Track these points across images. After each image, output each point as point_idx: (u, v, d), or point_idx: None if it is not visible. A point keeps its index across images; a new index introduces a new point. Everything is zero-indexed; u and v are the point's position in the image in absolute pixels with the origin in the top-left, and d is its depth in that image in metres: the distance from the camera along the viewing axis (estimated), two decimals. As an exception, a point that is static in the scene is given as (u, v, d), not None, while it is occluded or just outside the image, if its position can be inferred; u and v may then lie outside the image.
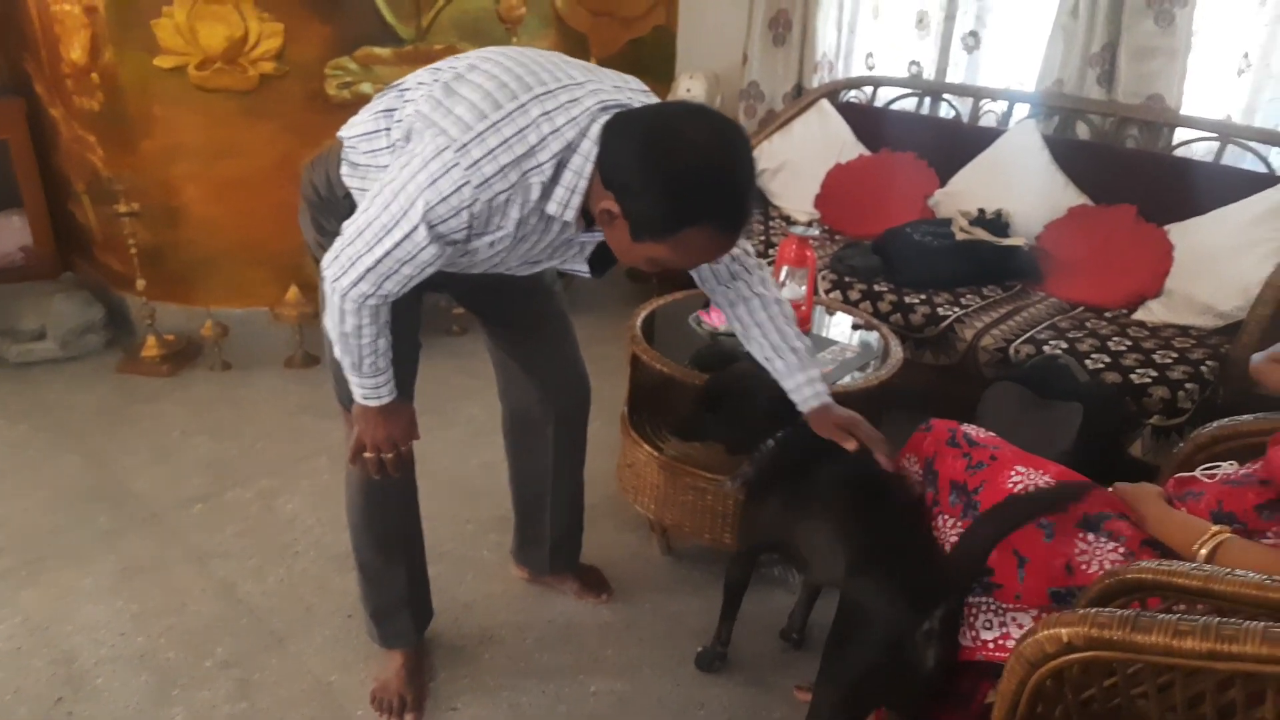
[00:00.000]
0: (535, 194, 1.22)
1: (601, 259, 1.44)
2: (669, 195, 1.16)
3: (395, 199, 1.22)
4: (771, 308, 1.58)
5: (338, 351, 1.41)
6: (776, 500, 1.65)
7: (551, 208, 1.24)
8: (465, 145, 1.17)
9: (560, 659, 1.92)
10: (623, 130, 1.19)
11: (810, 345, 1.62)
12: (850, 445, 1.53)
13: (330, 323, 1.37)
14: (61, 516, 2.32)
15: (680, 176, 1.15)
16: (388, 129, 1.34)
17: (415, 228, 1.21)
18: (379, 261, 1.26)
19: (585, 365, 1.86)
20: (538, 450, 1.90)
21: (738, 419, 1.70)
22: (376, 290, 1.30)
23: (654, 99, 1.34)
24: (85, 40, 2.77)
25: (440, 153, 1.18)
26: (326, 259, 1.32)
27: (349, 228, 1.28)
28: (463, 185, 1.18)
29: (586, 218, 1.29)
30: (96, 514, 2.33)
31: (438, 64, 1.34)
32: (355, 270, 1.28)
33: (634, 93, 1.31)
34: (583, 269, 1.45)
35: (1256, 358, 1.57)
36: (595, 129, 1.21)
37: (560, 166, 1.21)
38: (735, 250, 1.53)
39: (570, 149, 1.21)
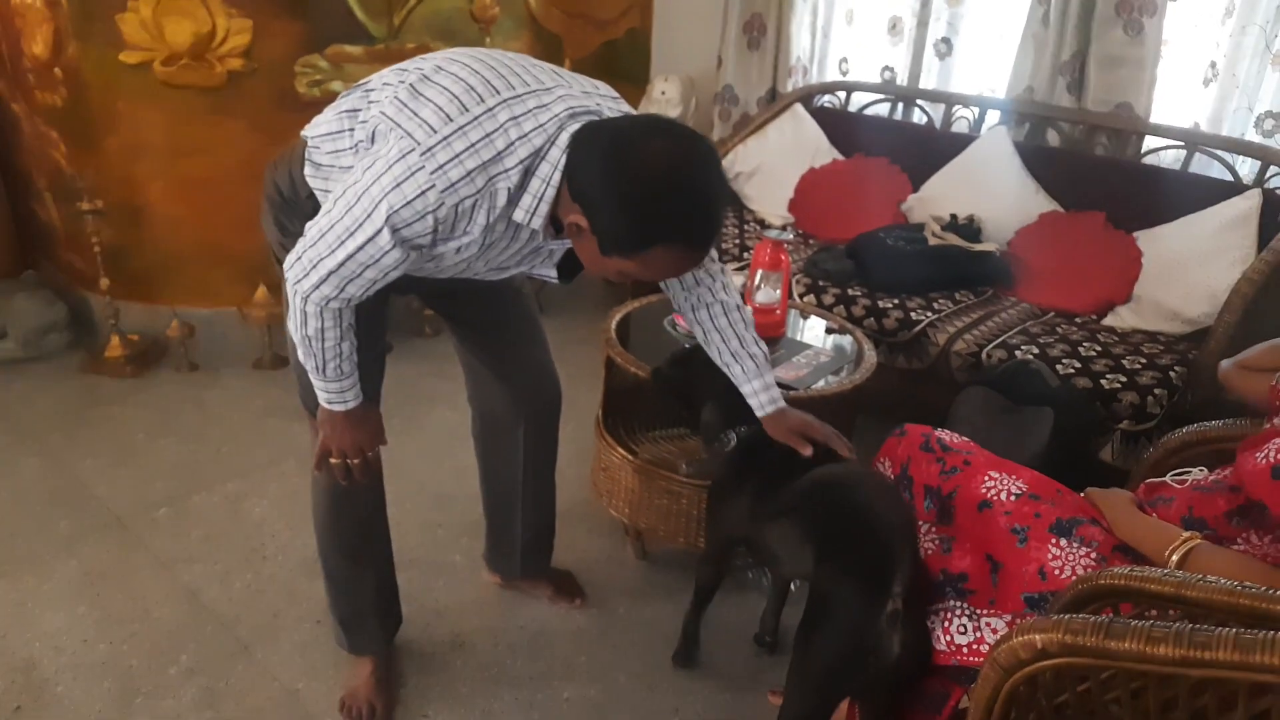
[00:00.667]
0: (502, 200, 1.20)
1: (570, 264, 1.43)
2: (634, 216, 1.14)
3: (359, 201, 1.20)
4: (733, 313, 1.59)
5: (300, 355, 1.39)
6: (744, 497, 1.67)
7: (518, 215, 1.22)
8: (431, 149, 1.15)
9: (533, 665, 1.90)
10: (588, 145, 1.17)
11: (767, 352, 1.64)
12: (805, 450, 1.56)
13: (292, 326, 1.35)
14: (20, 521, 2.26)
15: (645, 197, 1.13)
16: (351, 129, 1.32)
17: (379, 231, 1.19)
18: (341, 264, 1.24)
19: (555, 367, 1.84)
20: (508, 453, 1.88)
21: (701, 390, 1.75)
22: (339, 293, 1.28)
23: (624, 105, 1.32)
24: (48, 34, 2.71)
25: (405, 155, 1.16)
26: (289, 260, 1.29)
27: (311, 229, 1.26)
28: (428, 189, 1.16)
29: (555, 224, 1.27)
30: (57, 518, 2.28)
31: (404, 64, 1.31)
32: (317, 273, 1.26)
33: (603, 99, 1.29)
34: (551, 275, 1.44)
35: (1225, 364, 1.59)
36: (564, 137, 1.19)
37: (528, 174, 1.19)
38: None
39: (538, 156, 1.19)
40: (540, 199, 1.20)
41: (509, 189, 1.19)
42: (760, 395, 1.60)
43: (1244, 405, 1.60)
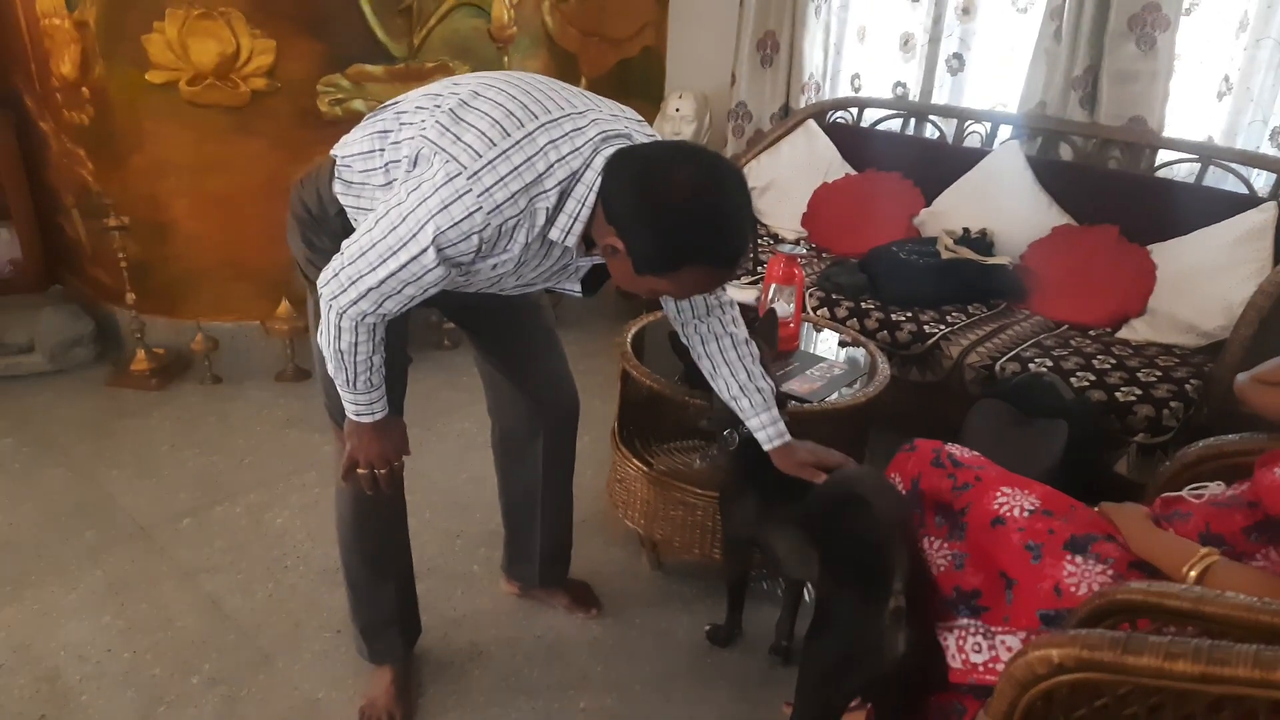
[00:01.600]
0: (541, 220, 1.25)
1: (593, 278, 1.46)
2: (666, 238, 1.20)
3: (404, 222, 1.24)
4: (741, 347, 1.62)
5: (331, 369, 1.41)
6: (750, 499, 1.72)
7: (554, 234, 1.27)
8: (478, 173, 1.20)
9: (549, 675, 1.92)
10: (622, 171, 1.22)
11: (774, 387, 1.66)
12: (817, 479, 1.58)
13: (324, 340, 1.38)
14: (46, 532, 2.30)
15: (675, 221, 1.19)
16: (381, 149, 1.36)
17: (425, 250, 1.24)
18: (383, 282, 1.28)
19: (574, 380, 1.87)
20: (527, 464, 1.90)
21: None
22: (376, 309, 1.32)
23: (648, 128, 1.37)
24: (75, 55, 2.77)
25: (452, 179, 1.21)
26: (324, 277, 1.32)
27: (350, 247, 1.29)
28: (475, 211, 1.21)
29: (586, 242, 1.32)
30: (82, 529, 2.31)
31: (434, 89, 1.36)
32: (356, 289, 1.29)
33: (630, 121, 1.34)
34: (575, 290, 1.47)
35: (1241, 378, 1.59)
36: (598, 160, 1.24)
37: (564, 195, 1.24)
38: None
39: (574, 178, 1.24)
40: (575, 219, 1.26)
41: (547, 209, 1.24)
42: (768, 429, 1.62)
43: (1261, 419, 1.60)
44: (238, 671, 1.89)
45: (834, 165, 3.35)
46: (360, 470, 1.53)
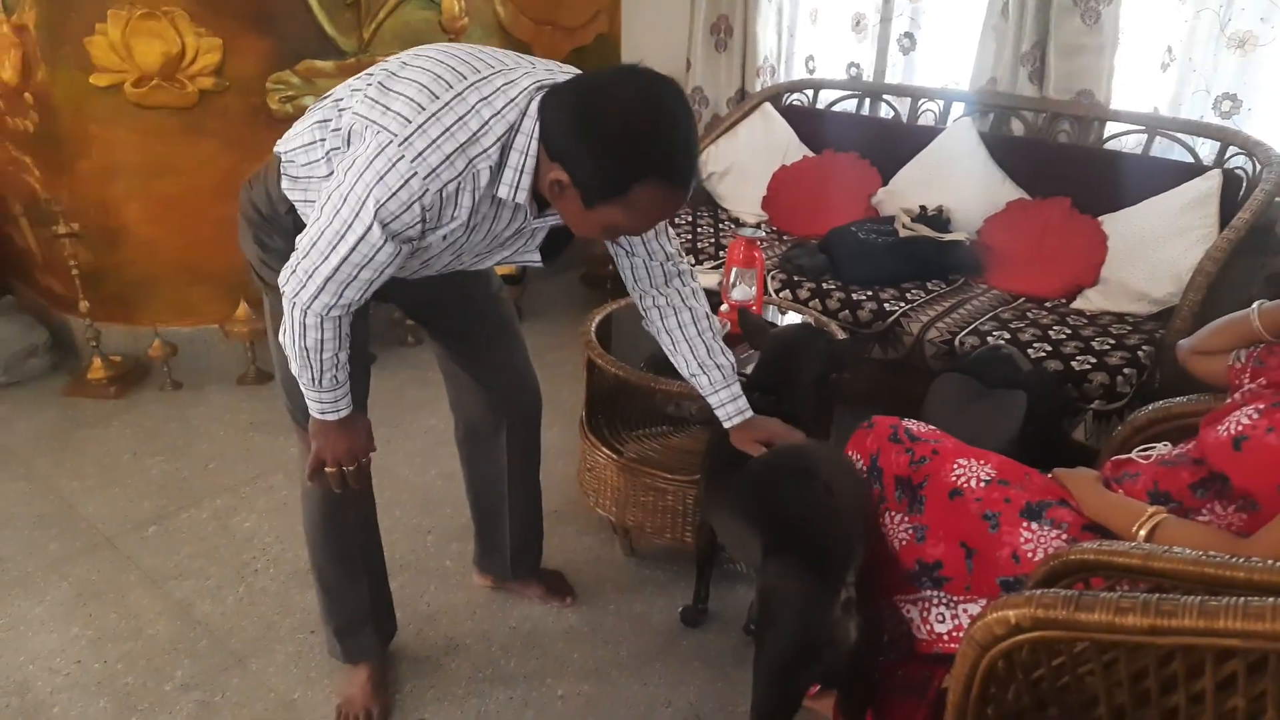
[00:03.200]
0: (485, 179, 1.23)
1: (552, 245, 1.45)
2: (610, 155, 1.17)
3: (345, 203, 1.22)
4: (701, 321, 1.61)
5: (295, 368, 1.40)
6: (705, 482, 1.74)
7: (502, 191, 1.25)
8: (408, 138, 1.18)
9: (526, 664, 1.93)
10: (558, 100, 1.20)
11: (734, 362, 1.64)
12: (755, 452, 1.58)
13: (289, 339, 1.37)
14: (9, 545, 2.26)
15: (621, 135, 1.15)
16: (323, 139, 1.34)
17: (369, 228, 1.22)
18: (336, 269, 1.26)
19: (535, 372, 1.87)
20: (492, 458, 1.91)
21: None
22: (338, 300, 1.31)
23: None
24: (16, 59, 2.71)
25: (384, 149, 1.19)
26: (283, 275, 1.31)
27: (302, 240, 1.28)
28: (410, 177, 1.19)
29: (539, 202, 1.30)
30: (46, 541, 2.28)
31: (369, 69, 1.34)
32: (314, 282, 1.28)
33: (568, 74, 1.32)
34: (535, 258, 1.45)
35: (1182, 344, 1.64)
36: (534, 107, 1.22)
37: (505, 149, 1.22)
38: (670, 249, 1.57)
39: (513, 130, 1.21)
40: (521, 171, 1.23)
41: (490, 167, 1.22)
42: (728, 406, 1.62)
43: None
44: (211, 676, 1.88)
45: (791, 147, 3.37)
46: (329, 469, 1.52)
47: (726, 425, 1.63)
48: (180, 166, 2.81)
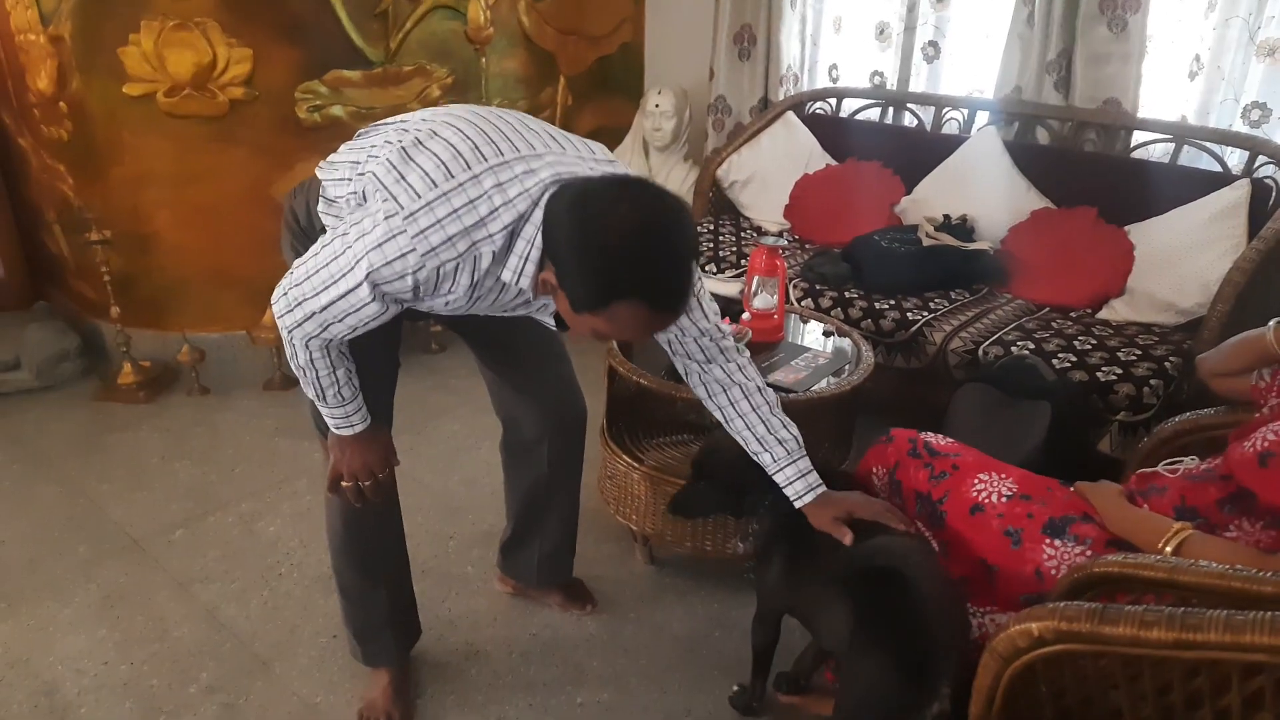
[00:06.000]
0: (486, 262, 1.22)
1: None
2: (593, 269, 1.15)
3: (343, 254, 1.24)
4: (754, 396, 1.53)
5: (301, 383, 1.42)
6: (779, 564, 1.58)
7: (506, 275, 1.25)
8: (413, 214, 1.19)
9: (546, 671, 1.94)
10: (559, 202, 1.19)
11: (799, 435, 1.54)
12: (845, 539, 1.45)
13: (288, 355, 1.39)
14: (39, 547, 2.30)
15: (604, 253, 1.13)
16: (349, 179, 1.37)
17: (358, 285, 1.24)
18: (324, 308, 1.28)
19: (578, 382, 1.85)
20: (534, 467, 1.89)
21: (729, 483, 1.64)
22: (322, 332, 1.32)
23: (620, 167, 1.34)
24: (52, 69, 2.76)
25: (389, 218, 1.20)
26: (276, 293, 1.33)
27: (299, 267, 1.30)
28: (408, 252, 1.19)
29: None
30: (75, 543, 2.32)
31: (406, 122, 1.34)
32: (301, 310, 1.30)
33: (598, 163, 1.31)
34: (550, 323, 1.45)
35: (1202, 359, 1.61)
36: (546, 199, 1.21)
37: (513, 236, 1.22)
38: (705, 325, 1.49)
39: (523, 219, 1.21)
40: (526, 259, 1.23)
41: (493, 251, 1.22)
42: (796, 484, 1.52)
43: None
44: (235, 679, 1.90)
45: (814, 156, 3.36)
46: (345, 484, 1.53)
47: (797, 504, 1.52)
48: (210, 174, 2.86)
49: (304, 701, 1.85)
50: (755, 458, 1.55)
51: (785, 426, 1.54)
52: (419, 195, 1.20)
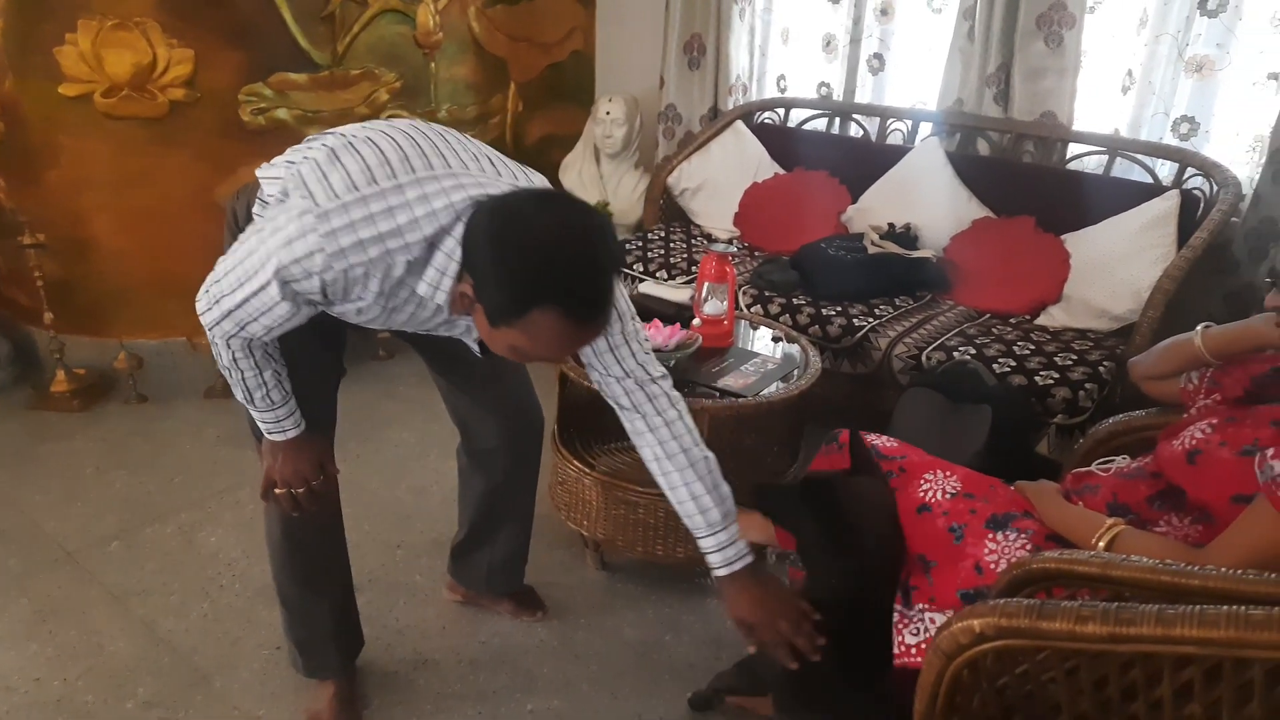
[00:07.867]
0: (399, 271, 1.21)
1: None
2: (510, 273, 1.12)
3: (255, 252, 1.23)
4: (678, 458, 1.43)
5: (230, 385, 1.41)
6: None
7: (421, 288, 1.23)
8: (326, 213, 1.17)
9: (496, 680, 1.92)
10: (479, 214, 1.17)
11: (728, 500, 1.45)
12: (749, 647, 1.44)
13: (214, 355, 1.38)
14: (-32, 561, 2.22)
15: (522, 253, 1.11)
16: (281, 177, 1.34)
17: (267, 284, 1.22)
18: (238, 306, 1.27)
19: (534, 392, 1.84)
20: (490, 474, 1.88)
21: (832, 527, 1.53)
22: (240, 330, 1.31)
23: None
24: (-17, 68, 2.68)
25: (301, 215, 1.18)
26: (200, 291, 1.32)
27: (219, 265, 1.29)
28: (316, 251, 1.17)
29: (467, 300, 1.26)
30: (5, 556, 2.24)
31: (347, 129, 1.32)
32: (219, 308, 1.29)
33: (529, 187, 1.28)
34: (474, 347, 1.43)
35: (1134, 363, 1.68)
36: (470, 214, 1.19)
37: (432, 248, 1.20)
38: (631, 365, 1.41)
39: (444, 232, 1.19)
40: (444, 274, 1.21)
41: (408, 261, 1.20)
42: (713, 555, 1.44)
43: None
44: (175, 694, 1.85)
45: (763, 165, 3.40)
46: (278, 490, 1.50)
47: (715, 575, 1.45)
48: (150, 177, 2.79)
49: (246, 715, 1.81)
50: (686, 521, 1.46)
51: (715, 490, 1.44)
52: (337, 195, 1.17)
